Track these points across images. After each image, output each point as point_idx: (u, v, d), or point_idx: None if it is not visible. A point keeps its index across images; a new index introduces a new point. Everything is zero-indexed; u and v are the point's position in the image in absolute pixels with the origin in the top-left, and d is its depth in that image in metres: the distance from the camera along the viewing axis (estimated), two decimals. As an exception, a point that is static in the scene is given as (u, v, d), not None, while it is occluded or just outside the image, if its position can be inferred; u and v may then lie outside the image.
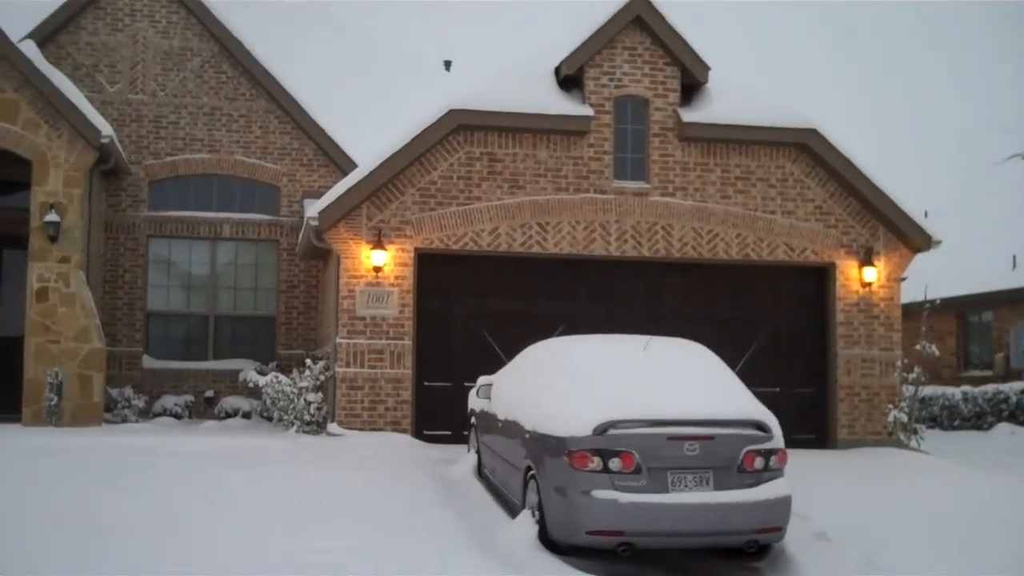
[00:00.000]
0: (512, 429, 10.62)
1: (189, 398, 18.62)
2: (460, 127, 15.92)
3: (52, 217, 16.44)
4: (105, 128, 16.97)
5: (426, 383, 15.86)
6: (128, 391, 17.90)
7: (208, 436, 15.17)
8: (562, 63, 16.26)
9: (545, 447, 9.41)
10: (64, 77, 17.75)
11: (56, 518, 9.27)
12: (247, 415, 18.15)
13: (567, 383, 9.86)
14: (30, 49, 17.18)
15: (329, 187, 18.50)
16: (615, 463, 8.83)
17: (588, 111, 16.17)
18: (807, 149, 16.67)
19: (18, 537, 8.59)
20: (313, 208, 15.83)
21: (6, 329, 18.58)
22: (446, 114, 15.76)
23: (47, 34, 19.29)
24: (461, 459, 13.20)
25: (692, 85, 16.68)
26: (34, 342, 16.42)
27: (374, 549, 8.79)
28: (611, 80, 16.30)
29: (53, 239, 16.49)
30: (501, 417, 11.22)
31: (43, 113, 16.67)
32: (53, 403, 16.01)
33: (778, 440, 9.32)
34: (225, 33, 19.77)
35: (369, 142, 18.74)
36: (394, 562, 8.46)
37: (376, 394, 15.42)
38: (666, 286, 16.63)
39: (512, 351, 13.73)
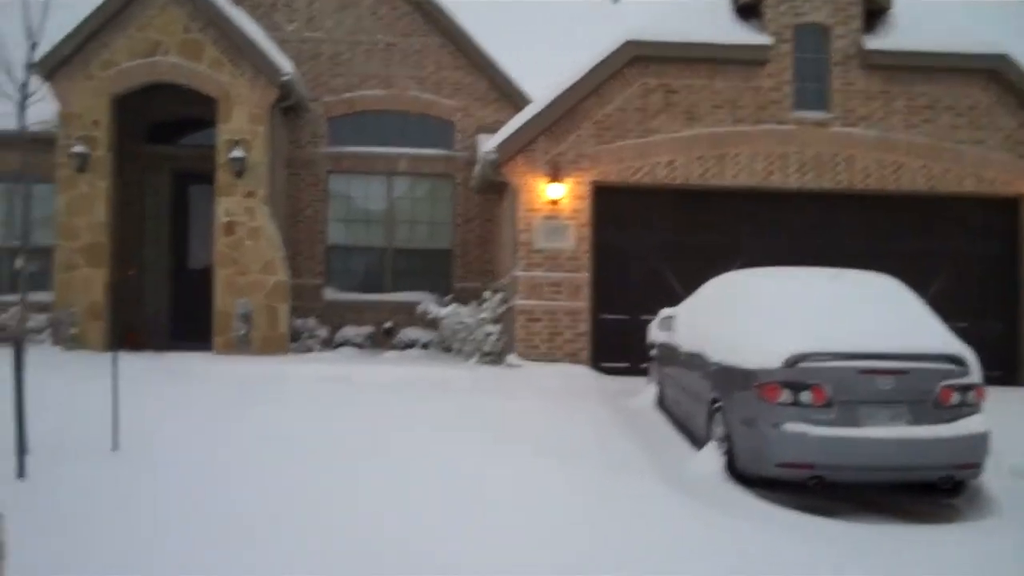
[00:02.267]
0: (696, 361, 10.62)
1: (369, 329, 19.07)
2: (636, 59, 15.79)
3: (238, 153, 16.95)
4: (286, 66, 17.37)
5: (603, 315, 15.92)
6: (311, 322, 18.45)
7: (390, 366, 15.57)
8: (740, -9, 15.97)
9: (732, 379, 9.40)
10: (245, 16, 18.20)
11: (258, 440, 9.68)
12: (425, 346, 18.53)
13: (755, 315, 9.79)
14: (213, -11, 17.65)
15: (503, 122, 18.58)
16: (806, 396, 8.77)
17: (767, 40, 15.84)
18: (996, 76, 16.03)
19: (230, 459, 9.01)
20: (489, 142, 15.94)
21: (195, 262, 19.35)
22: (622, 46, 15.66)
23: (229, -26, 19.74)
24: (641, 391, 13.26)
25: (875, 11, 16.18)
26: (222, 274, 17.03)
27: (562, 477, 8.94)
28: (790, 8, 15.92)
29: (239, 175, 17.01)
30: (684, 349, 11.22)
31: (227, 52, 17.16)
32: (242, 333, 16.63)
33: (976, 375, 9.11)
34: (399, -31, 19.96)
35: (539, 76, 18.74)
36: (584, 490, 8.59)
37: (554, 326, 15.56)
38: (847, 218, 16.26)
39: (688, 284, 13.68)
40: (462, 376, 14.35)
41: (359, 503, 7.76)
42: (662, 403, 12.48)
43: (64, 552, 6.23)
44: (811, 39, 16.02)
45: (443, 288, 19.73)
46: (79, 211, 16.95)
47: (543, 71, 18.33)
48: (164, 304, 19.27)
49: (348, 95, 20.00)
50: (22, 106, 12.08)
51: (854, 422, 8.79)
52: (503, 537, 7.12)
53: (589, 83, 15.67)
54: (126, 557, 6.29)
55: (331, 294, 19.62)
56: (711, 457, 9.62)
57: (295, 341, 17.87)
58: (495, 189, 18.14)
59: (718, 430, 9.70)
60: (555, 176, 15.57)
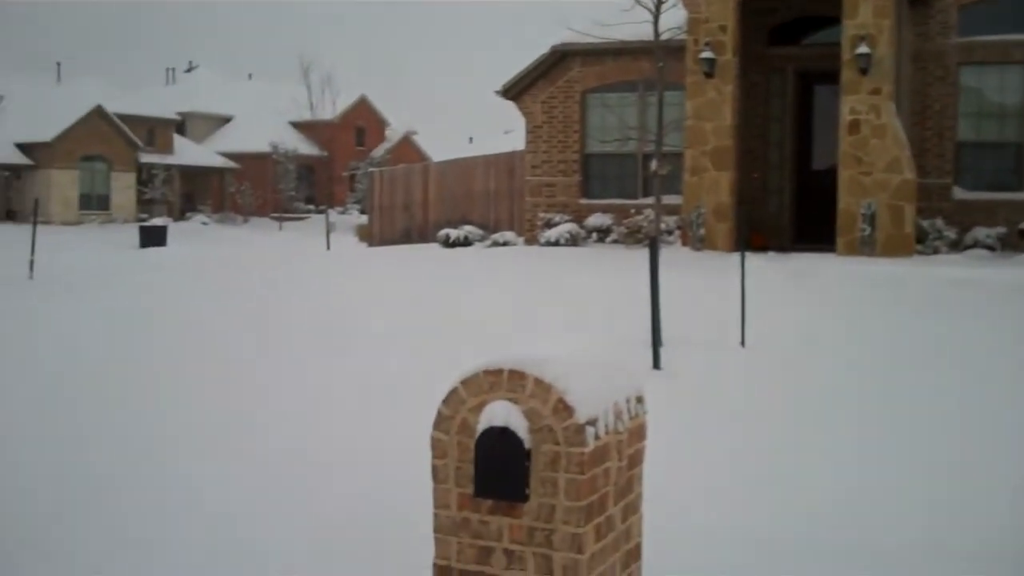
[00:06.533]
0: None
1: (1002, 230, 17.88)
2: None
3: (863, 49, 16.57)
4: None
5: None
6: (938, 223, 17.71)
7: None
8: None
9: None
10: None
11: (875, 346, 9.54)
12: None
13: None
14: None
15: None
16: None
17: None
18: None
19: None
20: None
21: (818, 162, 19.32)
22: None
23: None
24: None
25: None
26: (846, 174, 16.84)
27: None
28: None
29: (863, 71, 16.64)
30: None
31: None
32: (866, 234, 16.39)
33: None
34: None
35: None
36: None
37: None
38: None
39: None
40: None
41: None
42: None
43: (691, 440, 6.56)
44: None
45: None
46: (706, 116, 17.51)
47: None
48: (786, 205, 19.47)
49: (994, -21, 18.71)
50: (656, 14, 12.67)
51: None
52: None
53: None
54: (746, 452, 6.50)
55: (960, 193, 18.67)
56: None
57: (920, 243, 17.29)
58: None
59: None
60: None
